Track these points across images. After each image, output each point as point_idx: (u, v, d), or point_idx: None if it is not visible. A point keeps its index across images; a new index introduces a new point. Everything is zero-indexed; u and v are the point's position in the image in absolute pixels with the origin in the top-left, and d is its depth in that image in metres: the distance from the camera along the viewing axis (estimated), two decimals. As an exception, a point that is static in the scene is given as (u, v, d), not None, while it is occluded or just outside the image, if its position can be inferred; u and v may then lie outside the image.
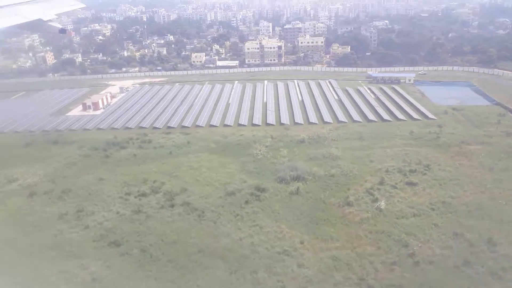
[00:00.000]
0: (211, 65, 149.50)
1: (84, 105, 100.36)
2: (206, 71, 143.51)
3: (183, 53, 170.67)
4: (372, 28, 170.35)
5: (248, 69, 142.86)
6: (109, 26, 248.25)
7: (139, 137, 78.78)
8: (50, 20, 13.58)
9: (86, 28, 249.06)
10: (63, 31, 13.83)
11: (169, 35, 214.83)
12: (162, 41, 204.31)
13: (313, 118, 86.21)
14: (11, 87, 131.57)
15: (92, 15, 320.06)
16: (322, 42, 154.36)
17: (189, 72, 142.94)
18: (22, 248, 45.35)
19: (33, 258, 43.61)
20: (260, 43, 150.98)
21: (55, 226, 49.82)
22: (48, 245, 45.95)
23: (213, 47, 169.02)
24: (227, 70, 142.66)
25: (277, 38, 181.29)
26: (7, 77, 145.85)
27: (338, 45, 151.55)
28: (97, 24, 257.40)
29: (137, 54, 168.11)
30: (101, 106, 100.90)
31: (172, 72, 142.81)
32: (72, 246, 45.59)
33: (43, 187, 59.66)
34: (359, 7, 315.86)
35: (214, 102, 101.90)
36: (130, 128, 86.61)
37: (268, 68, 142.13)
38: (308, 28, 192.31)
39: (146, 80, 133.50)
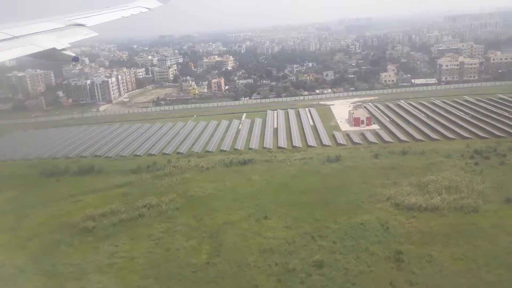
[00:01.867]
0: (405, 84, 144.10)
1: (356, 120, 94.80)
2: (404, 89, 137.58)
3: (349, 76, 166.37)
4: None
5: (449, 86, 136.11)
6: (231, 57, 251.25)
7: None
8: (63, 49, 13.57)
9: (206, 60, 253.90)
10: (76, 59, 13.84)
11: (307, 62, 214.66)
12: (303, 68, 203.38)
13: None
14: (218, 110, 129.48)
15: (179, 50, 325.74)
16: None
17: (389, 91, 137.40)
18: None
19: None
20: (457, 59, 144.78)
21: None
22: None
23: (388, 67, 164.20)
24: (425, 88, 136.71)
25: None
26: (194, 102, 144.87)
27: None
28: (216, 56, 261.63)
29: (307, 78, 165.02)
30: (371, 121, 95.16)
31: (371, 91, 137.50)
32: None
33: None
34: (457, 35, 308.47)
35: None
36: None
37: (473, 84, 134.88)
38: (464, 49, 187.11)
39: (356, 99, 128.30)
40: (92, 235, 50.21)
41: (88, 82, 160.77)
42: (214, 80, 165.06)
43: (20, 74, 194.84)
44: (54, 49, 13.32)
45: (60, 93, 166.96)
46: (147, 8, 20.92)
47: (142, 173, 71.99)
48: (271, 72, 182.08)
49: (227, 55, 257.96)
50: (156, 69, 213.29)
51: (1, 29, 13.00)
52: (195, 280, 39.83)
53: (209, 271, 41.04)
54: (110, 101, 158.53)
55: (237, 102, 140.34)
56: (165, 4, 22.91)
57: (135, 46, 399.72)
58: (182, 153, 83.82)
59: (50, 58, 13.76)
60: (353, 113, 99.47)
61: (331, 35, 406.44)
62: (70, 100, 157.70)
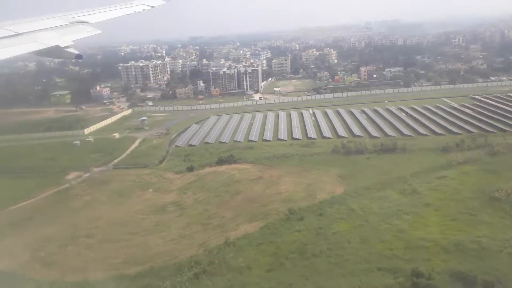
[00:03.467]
0: None
1: None
2: None
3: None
4: None
5: None
6: (332, 51, 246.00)
7: None
8: (67, 47, 13.16)
9: (305, 53, 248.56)
10: (79, 56, 13.21)
11: (427, 54, 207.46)
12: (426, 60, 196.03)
13: None
14: (402, 96, 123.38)
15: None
16: None
17: None
18: None
19: None
20: None
21: None
22: None
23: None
24: None
25: None
26: (356, 90, 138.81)
27: None
28: (314, 50, 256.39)
29: (458, 67, 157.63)
30: None
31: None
32: None
33: None
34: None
35: None
36: None
37: None
38: None
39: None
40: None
41: (235, 71, 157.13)
42: (363, 69, 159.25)
43: (141, 64, 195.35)
44: (57, 46, 12.96)
45: (201, 82, 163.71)
46: (150, 6, 20.62)
47: (453, 151, 66.09)
48: (412, 61, 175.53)
49: (328, 48, 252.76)
50: (274, 61, 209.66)
51: (4, 26, 12.79)
52: None
53: None
54: (257, 91, 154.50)
55: (407, 89, 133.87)
56: (168, 2, 22.67)
57: (179, 45, 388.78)
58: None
59: (53, 56, 13.68)
60: None
61: (392, 33, 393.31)
62: (217, 89, 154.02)
